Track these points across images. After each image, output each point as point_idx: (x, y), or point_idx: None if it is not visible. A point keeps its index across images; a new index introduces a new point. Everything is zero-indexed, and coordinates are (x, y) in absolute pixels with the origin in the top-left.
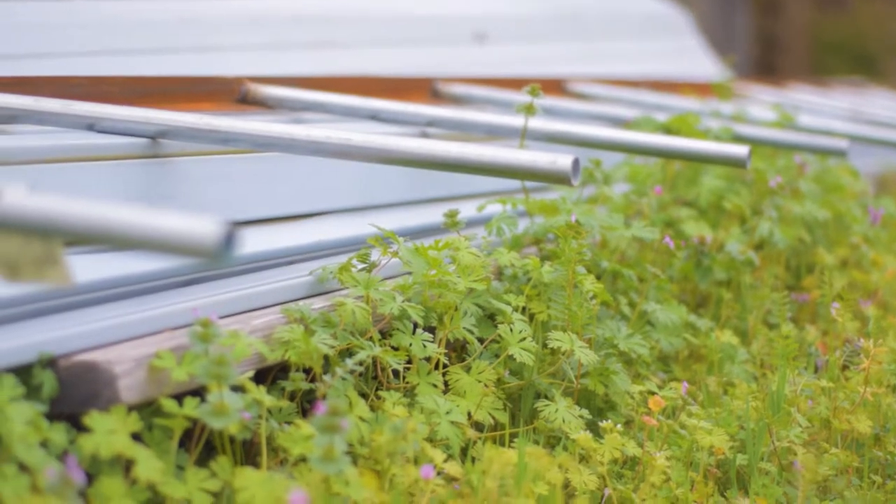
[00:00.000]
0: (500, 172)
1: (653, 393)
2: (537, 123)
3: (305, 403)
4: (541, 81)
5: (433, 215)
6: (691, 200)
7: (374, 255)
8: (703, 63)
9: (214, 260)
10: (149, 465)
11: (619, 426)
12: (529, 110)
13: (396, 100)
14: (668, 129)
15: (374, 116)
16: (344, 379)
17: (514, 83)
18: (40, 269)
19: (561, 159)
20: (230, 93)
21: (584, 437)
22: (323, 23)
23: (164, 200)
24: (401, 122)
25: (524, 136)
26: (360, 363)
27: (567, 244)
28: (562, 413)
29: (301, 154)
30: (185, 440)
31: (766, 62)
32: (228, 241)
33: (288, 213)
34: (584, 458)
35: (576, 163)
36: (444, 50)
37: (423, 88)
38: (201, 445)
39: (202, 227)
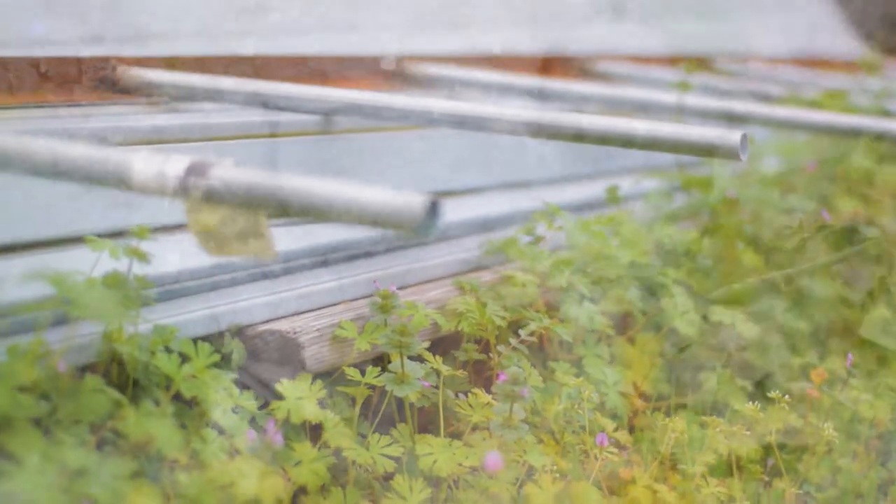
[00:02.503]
0: (671, 148)
1: (813, 366)
2: (690, 100)
3: (473, 374)
4: (684, 58)
5: (585, 191)
6: (842, 176)
7: (540, 228)
8: (843, 40)
9: (419, 231)
10: (337, 431)
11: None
12: (685, 87)
13: (544, 77)
14: (816, 105)
15: (529, 93)
16: (515, 349)
17: (656, 60)
18: (245, 242)
19: (730, 135)
20: (380, 71)
21: (749, 407)
22: (463, 2)
23: (340, 174)
24: (554, 98)
25: (682, 112)
26: (531, 334)
27: (726, 218)
28: (724, 384)
29: (471, 129)
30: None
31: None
32: (433, 212)
33: (448, 189)
34: (748, 429)
35: (743, 138)
36: (583, 26)
37: (566, 65)
38: (381, 413)
39: (408, 199)
